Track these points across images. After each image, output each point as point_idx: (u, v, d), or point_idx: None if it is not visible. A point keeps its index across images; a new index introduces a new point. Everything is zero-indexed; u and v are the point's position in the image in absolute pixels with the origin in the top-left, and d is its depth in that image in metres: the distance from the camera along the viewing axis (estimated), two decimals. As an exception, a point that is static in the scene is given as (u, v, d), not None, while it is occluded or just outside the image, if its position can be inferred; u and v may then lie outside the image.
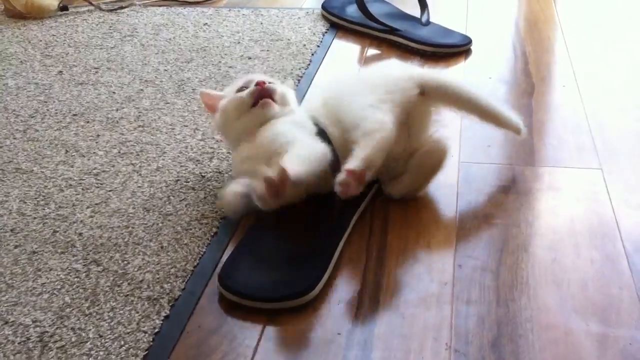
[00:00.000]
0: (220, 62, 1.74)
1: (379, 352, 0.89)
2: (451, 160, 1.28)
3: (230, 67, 1.71)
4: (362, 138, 1.07)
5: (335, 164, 1.09)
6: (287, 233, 1.08)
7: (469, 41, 1.78)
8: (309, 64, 1.72)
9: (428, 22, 1.86)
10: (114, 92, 1.60)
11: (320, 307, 0.97)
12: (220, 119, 1.18)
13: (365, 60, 1.77)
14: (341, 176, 1.03)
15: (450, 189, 1.20)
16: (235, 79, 1.24)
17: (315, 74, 1.68)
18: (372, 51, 1.81)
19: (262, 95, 1.13)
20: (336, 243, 1.06)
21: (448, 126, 1.40)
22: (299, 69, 1.69)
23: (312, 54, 1.78)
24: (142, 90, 1.61)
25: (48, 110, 1.52)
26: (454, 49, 1.76)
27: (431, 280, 1.00)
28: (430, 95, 1.17)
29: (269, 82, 1.16)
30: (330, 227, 1.09)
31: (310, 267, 1.01)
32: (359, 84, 1.18)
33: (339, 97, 1.17)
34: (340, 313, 0.96)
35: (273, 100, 1.14)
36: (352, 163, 1.04)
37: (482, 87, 1.57)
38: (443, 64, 1.72)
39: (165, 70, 1.70)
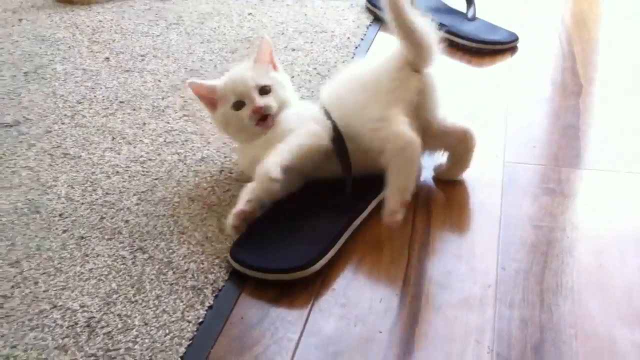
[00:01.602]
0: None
1: (420, 353, 0.89)
2: (496, 160, 1.27)
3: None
4: (393, 164, 1.07)
5: (343, 152, 1.13)
6: (302, 211, 1.11)
7: (515, 38, 1.75)
8: (353, 57, 1.72)
9: (474, 18, 1.84)
10: (159, 81, 1.62)
11: (362, 304, 0.97)
12: (219, 125, 1.23)
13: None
14: (387, 207, 1.07)
15: (495, 189, 1.19)
16: (226, 72, 1.23)
17: (359, 67, 1.67)
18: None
19: (261, 118, 1.16)
20: (346, 225, 1.08)
21: (492, 125, 1.39)
22: (343, 62, 1.69)
23: (356, 47, 1.77)
24: (187, 79, 1.62)
25: (95, 96, 1.55)
26: (500, 46, 1.74)
27: (474, 282, 1.00)
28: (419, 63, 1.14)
29: (262, 103, 1.15)
30: (345, 209, 1.11)
31: (316, 244, 1.04)
32: (358, 86, 1.16)
33: (342, 103, 1.16)
34: (382, 311, 0.96)
35: (271, 116, 1.17)
36: (392, 198, 1.06)
37: (528, 87, 1.57)
38: (488, 60, 1.70)
39: (210, 60, 1.72)
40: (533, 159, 1.28)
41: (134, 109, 1.50)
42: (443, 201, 1.17)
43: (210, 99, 1.20)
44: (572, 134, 1.36)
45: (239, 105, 1.16)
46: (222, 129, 1.23)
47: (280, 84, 1.19)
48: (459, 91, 1.54)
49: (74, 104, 1.52)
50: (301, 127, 1.14)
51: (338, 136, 1.14)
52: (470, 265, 1.03)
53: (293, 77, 1.61)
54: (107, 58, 1.73)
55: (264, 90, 1.16)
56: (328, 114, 1.17)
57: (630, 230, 1.09)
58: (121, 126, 1.43)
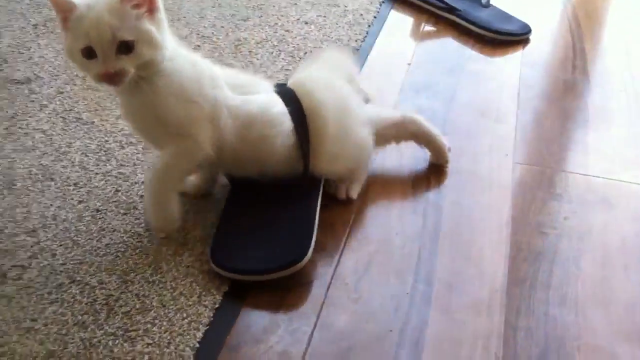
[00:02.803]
0: (276, 24, 1.73)
1: (429, 355, 0.92)
2: (505, 159, 1.29)
3: (286, 30, 1.71)
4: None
5: (304, 142, 1.10)
6: (262, 207, 1.11)
7: (528, 30, 1.76)
8: (365, 36, 1.72)
9: (488, 4, 1.84)
10: (171, 45, 1.60)
11: (374, 300, 1.00)
12: (65, 52, 0.98)
13: (421, 37, 1.76)
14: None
15: (504, 191, 1.22)
16: None
17: (371, 48, 1.67)
18: (428, 28, 1.80)
19: (108, 81, 0.96)
20: (313, 210, 1.10)
21: (503, 121, 1.41)
22: (356, 40, 1.69)
23: (369, 26, 1.77)
24: (199, 46, 1.61)
25: (107, 57, 1.53)
26: (513, 37, 1.74)
27: (482, 286, 1.03)
28: None
29: (114, 69, 0.94)
30: (301, 196, 1.12)
31: (295, 237, 1.05)
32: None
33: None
34: (392, 309, 0.99)
35: (122, 81, 0.96)
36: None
37: (539, 84, 1.58)
38: (500, 51, 1.71)
39: (222, 27, 1.70)
40: (542, 161, 1.30)
41: (147, 75, 1.48)
42: (454, 199, 1.19)
43: (66, 16, 0.95)
44: (581, 138, 1.38)
45: (90, 53, 0.94)
46: (66, 57, 1.01)
47: (149, 41, 0.95)
48: (470, 81, 1.55)
49: (86, 64, 1.50)
50: (179, 142, 1.02)
51: (302, 118, 1.10)
52: (479, 268, 1.06)
53: (306, 52, 1.60)
54: (118, 16, 1.70)
55: (125, 47, 0.93)
56: (292, 94, 1.11)
57: (636, 243, 1.12)
58: (134, 93, 1.41)
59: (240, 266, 1.01)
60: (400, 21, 1.82)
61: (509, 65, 1.64)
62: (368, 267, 1.06)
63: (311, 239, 1.05)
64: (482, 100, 1.49)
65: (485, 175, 1.25)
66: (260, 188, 1.11)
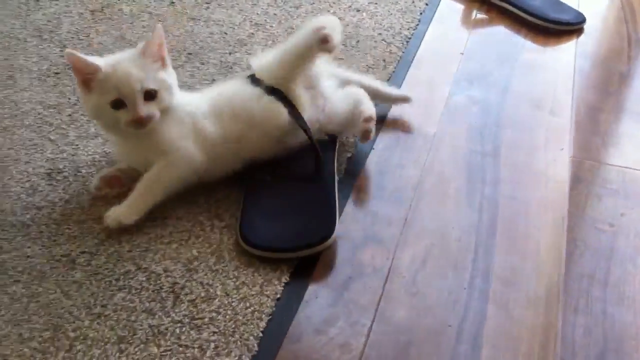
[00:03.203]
0: (328, 11, 1.74)
1: (488, 351, 0.93)
2: (561, 154, 1.29)
3: (338, 18, 1.71)
4: None
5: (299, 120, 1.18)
6: (282, 187, 1.16)
7: (582, 19, 1.74)
8: (417, 24, 1.71)
9: (541, -8, 1.82)
10: (225, 33, 1.62)
11: (431, 294, 1.01)
12: (89, 112, 1.13)
13: (473, 25, 1.75)
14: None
15: (560, 186, 1.22)
16: (111, 56, 1.12)
17: (423, 36, 1.67)
18: (480, 15, 1.79)
19: (139, 125, 1.09)
20: (332, 189, 1.14)
21: (558, 114, 1.40)
22: (408, 28, 1.69)
23: (421, 13, 1.76)
24: (253, 34, 1.63)
25: (163, 44, 1.55)
26: (567, 27, 1.72)
27: (539, 282, 1.04)
28: None
29: (145, 113, 1.08)
30: (318, 175, 1.17)
31: (320, 216, 1.09)
32: None
33: None
34: (450, 303, 1.00)
35: (149, 124, 1.10)
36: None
37: (594, 76, 1.56)
38: (554, 40, 1.69)
39: (275, 14, 1.71)
40: (599, 155, 1.30)
41: (202, 63, 1.51)
42: (509, 193, 1.20)
43: (87, 78, 1.08)
44: (637, 132, 1.37)
45: (118, 104, 1.07)
46: (90, 116, 1.17)
47: (168, 88, 1.11)
48: (524, 72, 1.55)
49: (143, 51, 1.52)
50: (170, 154, 1.11)
51: (291, 107, 1.18)
52: (535, 264, 1.07)
53: (358, 41, 1.61)
54: (173, 2, 1.73)
55: (150, 95, 1.08)
56: (273, 89, 1.19)
57: (693, 243, 1.12)
58: (191, 81, 1.44)
59: (270, 244, 1.04)
60: (452, 9, 1.82)
61: (564, 56, 1.62)
62: (425, 261, 1.07)
63: (335, 215, 1.09)
64: (537, 91, 1.48)
65: (541, 170, 1.25)
66: (274, 171, 1.18)
